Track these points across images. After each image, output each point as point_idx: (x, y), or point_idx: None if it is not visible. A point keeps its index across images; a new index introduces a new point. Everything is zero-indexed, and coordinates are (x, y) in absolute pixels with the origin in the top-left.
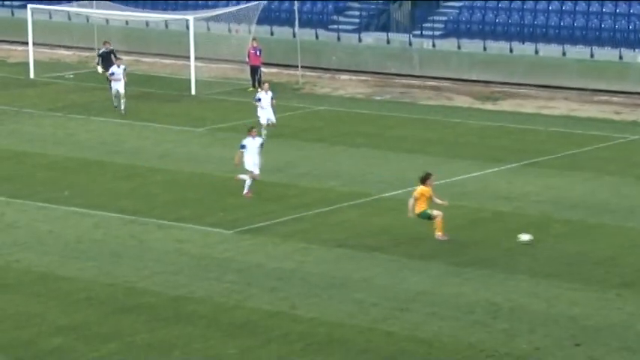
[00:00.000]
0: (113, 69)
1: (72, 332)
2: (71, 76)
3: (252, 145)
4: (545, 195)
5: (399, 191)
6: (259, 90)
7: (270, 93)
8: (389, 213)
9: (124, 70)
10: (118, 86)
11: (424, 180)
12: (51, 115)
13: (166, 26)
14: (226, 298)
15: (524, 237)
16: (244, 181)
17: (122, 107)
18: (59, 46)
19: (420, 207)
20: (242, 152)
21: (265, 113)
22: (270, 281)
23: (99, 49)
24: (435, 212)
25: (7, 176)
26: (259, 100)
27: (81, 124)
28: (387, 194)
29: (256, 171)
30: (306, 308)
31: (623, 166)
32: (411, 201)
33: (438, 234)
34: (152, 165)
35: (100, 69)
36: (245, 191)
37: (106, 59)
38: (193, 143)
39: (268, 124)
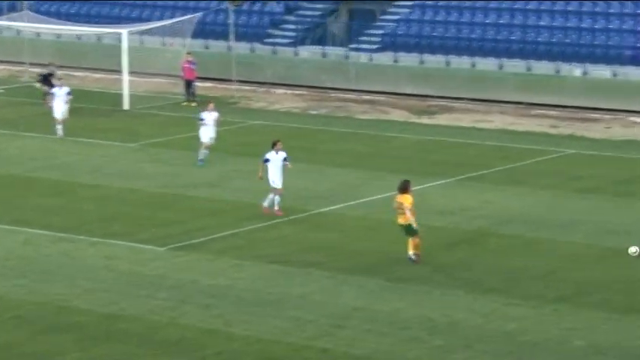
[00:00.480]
0: (55, 90)
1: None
2: (1, 91)
3: (276, 159)
4: (482, 209)
5: (335, 206)
6: (204, 110)
7: (214, 113)
8: (324, 228)
9: (68, 93)
10: (58, 110)
11: (405, 188)
12: None
13: (99, 40)
14: (159, 316)
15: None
16: (271, 199)
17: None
18: None
19: (406, 218)
20: (265, 166)
21: (207, 132)
22: (204, 298)
23: (43, 72)
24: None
25: None
26: (202, 119)
27: (9, 140)
28: (322, 209)
29: (279, 186)
30: (240, 326)
31: (559, 180)
32: (408, 212)
33: (414, 253)
34: (83, 181)
35: (39, 85)
36: (276, 209)
37: (47, 80)
38: (125, 158)
39: (209, 144)
